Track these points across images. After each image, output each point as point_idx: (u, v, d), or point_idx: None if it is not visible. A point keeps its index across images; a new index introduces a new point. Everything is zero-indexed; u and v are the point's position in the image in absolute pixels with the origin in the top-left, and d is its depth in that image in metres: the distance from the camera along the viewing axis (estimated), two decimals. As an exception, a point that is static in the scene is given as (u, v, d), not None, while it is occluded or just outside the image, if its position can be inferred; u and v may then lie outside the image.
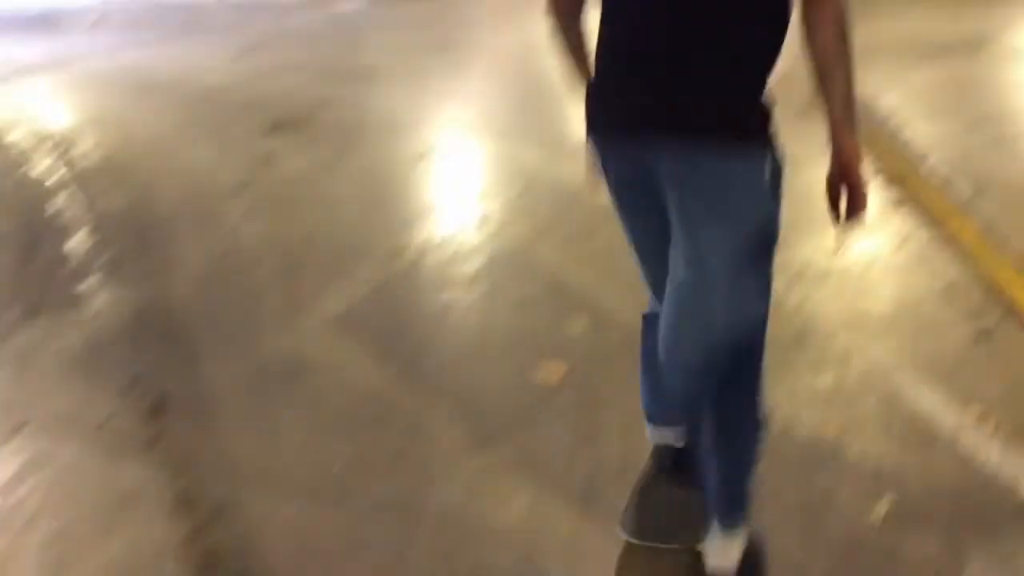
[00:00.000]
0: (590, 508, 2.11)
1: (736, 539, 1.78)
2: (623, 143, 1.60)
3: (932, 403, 2.40)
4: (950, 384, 2.46)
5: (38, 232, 4.06)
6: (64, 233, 4.00)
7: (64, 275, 3.59)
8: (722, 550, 1.79)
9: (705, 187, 1.49)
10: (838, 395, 2.47)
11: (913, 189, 3.71)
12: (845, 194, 1.56)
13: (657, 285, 1.73)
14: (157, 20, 10.44)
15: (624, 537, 1.97)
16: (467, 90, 6.26)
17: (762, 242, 1.53)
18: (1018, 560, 1.90)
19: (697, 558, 1.84)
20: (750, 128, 1.48)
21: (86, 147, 5.29)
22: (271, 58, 7.65)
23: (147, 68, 7.69)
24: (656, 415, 2.00)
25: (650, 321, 1.87)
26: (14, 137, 5.59)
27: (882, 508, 2.03)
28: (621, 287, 3.05)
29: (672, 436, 1.98)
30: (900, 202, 3.61)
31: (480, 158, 4.89)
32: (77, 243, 3.88)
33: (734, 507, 1.76)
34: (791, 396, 2.44)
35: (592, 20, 1.64)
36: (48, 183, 4.70)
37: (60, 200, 4.41)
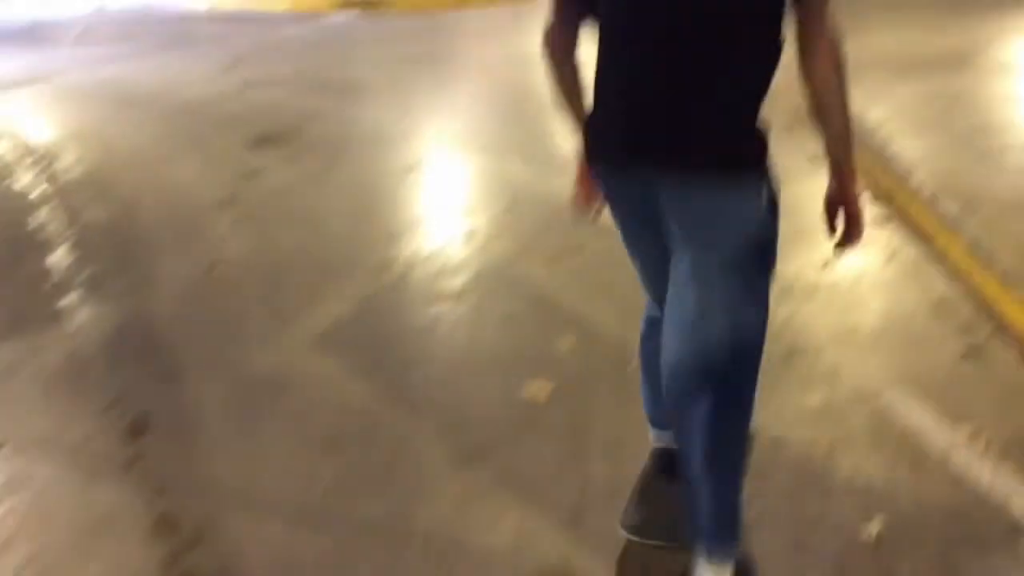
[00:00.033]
0: (578, 527, 2.09)
1: (726, 571, 1.76)
2: (623, 174, 1.66)
3: (923, 420, 2.38)
4: (940, 400, 2.45)
5: (19, 247, 4.02)
6: (45, 248, 3.95)
7: (45, 290, 3.55)
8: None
9: (704, 216, 1.55)
10: (828, 412, 2.45)
11: (901, 204, 3.71)
12: (842, 218, 1.64)
13: (659, 297, 1.79)
14: (143, 33, 10.42)
15: (625, 535, 1.99)
16: (454, 104, 6.24)
17: (760, 266, 1.60)
18: (1011, 579, 1.89)
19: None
20: (747, 159, 1.53)
21: (68, 161, 5.24)
22: (257, 71, 7.63)
23: (131, 81, 7.65)
24: (657, 418, 2.06)
25: (650, 324, 1.93)
26: (-4, 150, 5.54)
27: (874, 527, 2.02)
28: (608, 303, 3.04)
29: (673, 439, 1.96)
30: (888, 217, 3.61)
31: (467, 172, 4.88)
32: (58, 258, 3.84)
33: (725, 535, 1.74)
34: (781, 413, 2.42)
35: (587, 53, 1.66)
36: (30, 197, 4.65)
37: (42, 214, 4.36)
